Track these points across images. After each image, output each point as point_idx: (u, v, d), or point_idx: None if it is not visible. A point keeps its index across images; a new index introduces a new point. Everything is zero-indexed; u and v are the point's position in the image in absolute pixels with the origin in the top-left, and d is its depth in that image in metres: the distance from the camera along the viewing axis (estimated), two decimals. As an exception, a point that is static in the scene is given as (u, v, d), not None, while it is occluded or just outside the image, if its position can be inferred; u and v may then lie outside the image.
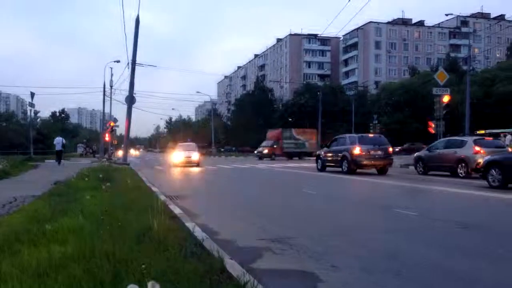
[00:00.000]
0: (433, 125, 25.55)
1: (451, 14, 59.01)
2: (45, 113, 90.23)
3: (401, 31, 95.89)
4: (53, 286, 3.31)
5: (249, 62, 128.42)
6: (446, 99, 24.50)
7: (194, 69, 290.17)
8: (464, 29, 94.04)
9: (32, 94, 36.18)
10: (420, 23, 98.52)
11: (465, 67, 49.98)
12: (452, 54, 79.63)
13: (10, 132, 58.87)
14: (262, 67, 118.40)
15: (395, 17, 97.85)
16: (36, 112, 39.42)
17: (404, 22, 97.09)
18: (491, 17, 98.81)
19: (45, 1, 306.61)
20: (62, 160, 27.96)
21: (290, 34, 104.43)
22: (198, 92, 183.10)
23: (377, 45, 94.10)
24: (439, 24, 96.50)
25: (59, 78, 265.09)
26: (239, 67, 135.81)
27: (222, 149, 76.57)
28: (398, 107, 63.89)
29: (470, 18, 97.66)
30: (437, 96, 24.84)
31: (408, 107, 62.67)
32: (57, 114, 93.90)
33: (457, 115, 39.29)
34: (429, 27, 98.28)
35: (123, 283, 3.21)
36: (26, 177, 17.64)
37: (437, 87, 24.92)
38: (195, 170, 25.20)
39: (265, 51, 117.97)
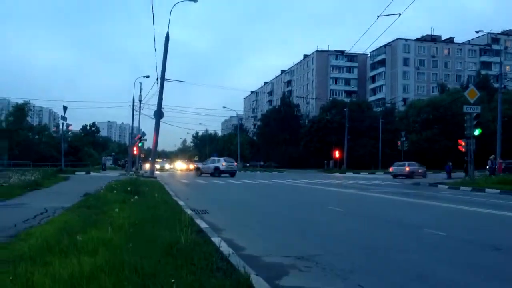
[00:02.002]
0: (463, 144, 25.02)
1: (482, 31, 58.30)
2: (76, 126, 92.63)
3: (430, 47, 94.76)
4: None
5: (276, 77, 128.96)
6: (477, 132, 23.92)
7: (221, 85, 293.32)
8: (495, 46, 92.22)
9: (65, 108, 37.24)
10: (450, 40, 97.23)
11: (496, 85, 48.92)
12: (483, 72, 78.20)
13: (42, 145, 60.45)
14: (288, 83, 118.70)
15: (424, 34, 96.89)
16: (68, 125, 40.47)
17: (433, 39, 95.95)
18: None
19: (85, 15, 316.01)
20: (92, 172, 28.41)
21: (317, 51, 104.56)
22: (224, 107, 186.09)
23: (405, 61, 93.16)
24: (469, 41, 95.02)
25: (92, 93, 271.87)
26: (265, 83, 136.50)
27: (248, 164, 76.68)
28: (427, 124, 62.88)
29: (501, 35, 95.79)
30: (467, 114, 24.36)
31: (437, 125, 61.62)
32: (88, 127, 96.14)
33: (488, 133, 38.39)
34: (459, 44, 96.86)
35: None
36: (57, 188, 18.06)
37: (468, 105, 24.45)
38: (221, 183, 25.33)
39: (291, 67, 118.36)
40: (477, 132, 23.93)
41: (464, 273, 5.28)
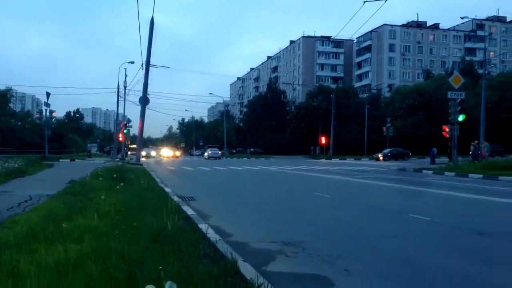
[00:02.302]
0: (447, 129, 25.30)
1: (467, 18, 58.52)
2: (60, 113, 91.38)
3: (416, 34, 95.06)
4: (71, 284, 3.35)
5: (262, 64, 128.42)
6: (461, 118, 24.16)
7: (208, 71, 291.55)
8: (479, 33, 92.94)
9: (48, 94, 36.69)
10: (435, 26, 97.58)
11: (480, 71, 49.32)
12: (468, 58, 78.82)
13: (25, 131, 59.51)
14: (275, 69, 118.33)
15: (410, 20, 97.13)
16: (51, 112, 39.90)
17: (418, 25, 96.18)
18: (507, 20, 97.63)
19: (69, 1, 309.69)
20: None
21: (303, 36, 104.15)
22: (211, 93, 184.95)
23: (391, 48, 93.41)
24: (454, 27, 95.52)
25: (76, 79, 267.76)
26: (252, 69, 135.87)
27: (234, 151, 76.63)
28: (412, 110, 63.39)
29: (486, 22, 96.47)
30: (451, 100, 24.58)
31: (422, 111, 62.16)
32: (72, 114, 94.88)
33: (472, 119, 38.89)
34: (444, 30, 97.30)
35: (138, 283, 3.25)
36: (41, 176, 17.88)
37: (452, 91, 24.66)
38: (207, 170, 25.32)
39: (278, 53, 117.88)
40: (461, 117, 24.20)
41: (450, 258, 5.37)
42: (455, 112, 24.12)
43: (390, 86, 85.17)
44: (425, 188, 15.05)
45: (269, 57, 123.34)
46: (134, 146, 52.23)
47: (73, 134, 74.10)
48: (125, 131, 42.40)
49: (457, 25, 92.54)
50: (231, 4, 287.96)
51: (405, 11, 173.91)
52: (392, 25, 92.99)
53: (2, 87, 61.58)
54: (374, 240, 6.35)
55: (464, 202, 11.38)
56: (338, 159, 49.31)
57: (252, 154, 66.26)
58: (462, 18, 66.44)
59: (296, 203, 11.09)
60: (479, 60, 63.01)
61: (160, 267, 3.20)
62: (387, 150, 48.28)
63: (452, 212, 9.57)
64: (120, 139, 42.68)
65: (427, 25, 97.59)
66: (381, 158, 45.98)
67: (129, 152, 48.44)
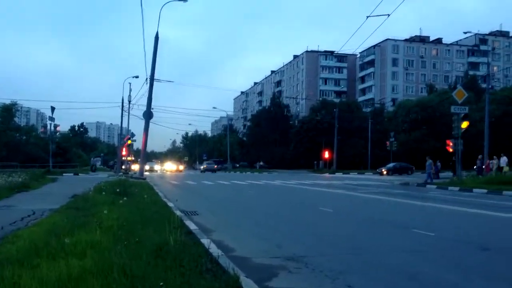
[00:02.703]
0: (451, 144, 25.24)
1: (470, 32, 58.97)
2: (65, 127, 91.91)
3: (419, 48, 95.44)
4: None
5: (266, 78, 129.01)
6: (464, 125, 24.07)
7: (211, 85, 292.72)
8: (482, 47, 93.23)
9: (53, 109, 36.94)
10: (438, 41, 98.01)
11: (484, 85, 49.46)
12: (471, 72, 78.87)
13: (30, 146, 59.76)
14: (278, 83, 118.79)
15: (413, 35, 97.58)
16: (55, 126, 40.11)
17: (421, 39, 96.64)
18: (510, 35, 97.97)
19: (74, 17, 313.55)
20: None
21: (307, 51, 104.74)
22: (214, 107, 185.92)
23: (394, 62, 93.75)
24: (457, 42, 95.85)
25: (84, 94, 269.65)
26: (255, 83, 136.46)
27: (238, 165, 76.59)
28: (415, 125, 63.33)
29: (489, 36, 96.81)
30: (455, 114, 24.57)
31: (426, 125, 62.09)
32: (76, 128, 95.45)
33: (475, 134, 38.77)
34: (447, 44, 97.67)
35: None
36: (45, 190, 17.91)
37: (455, 105, 24.66)
38: (210, 184, 25.30)
39: (281, 67, 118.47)
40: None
41: (454, 273, 5.33)
42: (459, 126, 24.08)
43: (393, 100, 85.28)
44: (429, 203, 14.97)
45: (272, 72, 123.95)
46: (133, 159, 52.39)
47: (77, 148, 74.47)
48: (128, 145, 42.53)
49: (460, 39, 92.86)
50: (235, 19, 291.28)
51: (408, 26, 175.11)
52: (395, 40, 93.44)
53: (7, 102, 62.04)
54: (377, 255, 6.31)
55: (468, 217, 11.31)
56: (341, 173, 49.19)
57: (261, 169, 66.27)
58: (465, 32, 67.05)
59: (299, 217, 11.05)
60: (482, 74, 62.98)
61: (161, 283, 3.20)
62: (390, 165, 48.13)
63: (456, 227, 9.50)
64: (124, 153, 42.78)
65: (430, 40, 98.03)
66: (384, 172, 45.83)
67: (134, 167, 48.50)
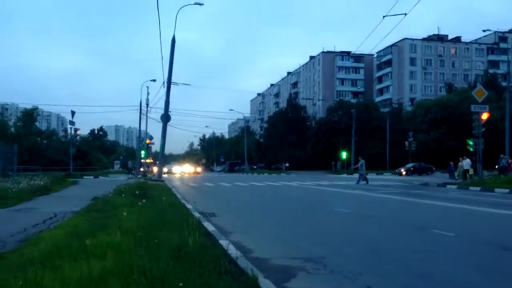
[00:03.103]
0: (471, 143, 24.85)
1: (489, 30, 57.79)
2: (84, 131, 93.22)
3: (437, 47, 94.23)
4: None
5: (282, 79, 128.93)
6: (485, 116, 23.79)
7: (228, 87, 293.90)
8: (502, 45, 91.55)
9: (73, 113, 37.55)
10: (457, 39, 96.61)
11: (504, 84, 48.54)
12: (491, 71, 77.56)
13: (51, 150, 60.78)
14: (295, 84, 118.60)
15: (431, 34, 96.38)
16: (76, 130, 40.74)
17: (440, 38, 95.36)
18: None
19: (92, 21, 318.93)
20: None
21: (323, 52, 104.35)
22: (231, 109, 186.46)
23: (412, 61, 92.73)
24: (476, 40, 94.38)
25: (103, 97, 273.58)
26: (272, 85, 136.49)
27: (255, 166, 76.63)
28: (434, 124, 62.53)
29: (509, 34, 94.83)
30: (475, 114, 24.18)
31: (445, 125, 61.26)
32: (96, 131, 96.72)
33: (496, 133, 38.09)
34: (466, 43, 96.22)
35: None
36: (66, 193, 18.20)
37: (475, 104, 24.28)
38: (228, 186, 25.36)
39: (298, 68, 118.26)
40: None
41: (474, 273, 5.25)
42: (479, 125, 23.71)
43: (411, 100, 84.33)
44: (449, 203, 14.75)
45: (289, 73, 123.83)
46: (151, 161, 52.91)
47: (97, 151, 75.43)
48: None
49: (479, 38, 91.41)
50: (251, 20, 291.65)
51: (426, 26, 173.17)
52: (412, 39, 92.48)
53: (28, 106, 63.29)
54: (396, 256, 6.25)
55: (489, 217, 11.12)
56: (360, 174, 48.74)
57: (279, 170, 66.16)
58: (484, 31, 65.84)
59: (317, 218, 11.01)
60: (502, 72, 61.87)
61: (181, 284, 3.23)
62: (409, 165, 47.61)
63: (476, 228, 9.36)
64: (142, 156, 43.21)
65: (449, 39, 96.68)
66: (403, 172, 45.35)
67: (153, 169, 48.89)
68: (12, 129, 59.24)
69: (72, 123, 38.88)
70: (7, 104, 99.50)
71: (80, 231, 6.65)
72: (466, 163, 28.08)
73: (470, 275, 5.17)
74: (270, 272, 4.93)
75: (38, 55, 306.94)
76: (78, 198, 14.48)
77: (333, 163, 62.77)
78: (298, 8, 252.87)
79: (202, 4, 27.60)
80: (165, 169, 45.97)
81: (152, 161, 53.04)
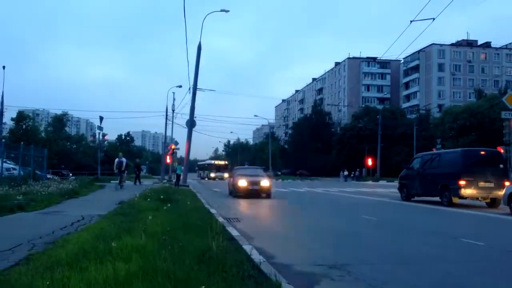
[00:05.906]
0: (502, 151, 24.19)
1: (520, 35, 56.38)
2: (112, 136, 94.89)
3: (466, 52, 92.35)
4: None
5: (307, 85, 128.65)
6: None
7: (253, 93, 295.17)
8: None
9: (101, 118, 38.25)
10: (487, 45, 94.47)
11: (536, 89, 47.23)
12: (522, 76, 75.60)
13: (80, 154, 62.18)
14: (320, 90, 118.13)
15: (459, 39, 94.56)
16: (104, 135, 41.49)
17: (469, 43, 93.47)
18: None
19: (122, 29, 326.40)
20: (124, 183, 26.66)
21: (349, 58, 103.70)
22: (255, 115, 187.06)
23: (440, 67, 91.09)
24: (506, 45, 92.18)
25: (130, 103, 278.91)
26: (297, 91, 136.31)
27: (279, 173, 76.49)
28: (463, 131, 61.17)
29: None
30: (506, 120, 23.56)
31: (474, 132, 59.86)
32: (123, 137, 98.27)
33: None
34: (496, 48, 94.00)
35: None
36: (93, 196, 18.51)
37: (506, 111, 23.66)
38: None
39: (323, 74, 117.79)
40: None
41: (505, 285, 5.09)
42: (510, 132, 23.09)
43: (440, 106, 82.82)
44: (478, 211, 14.38)
45: (314, 79, 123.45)
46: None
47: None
48: (172, 153, 43.32)
49: (510, 43, 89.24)
50: (276, 28, 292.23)
51: (454, 31, 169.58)
52: (441, 45, 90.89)
53: (58, 112, 64.97)
54: (423, 265, 6.11)
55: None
56: (385, 181, 48.12)
57: (302, 176, 65.98)
58: (515, 35, 64.03)
59: (342, 225, 10.88)
60: (534, 78, 60.22)
61: (203, 287, 3.23)
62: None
63: (507, 237, 9.09)
64: (168, 161, 43.64)
65: (478, 44, 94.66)
66: (431, 180, 44.42)
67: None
68: (43, 134, 60.90)
69: (100, 128, 39.63)
70: (38, 110, 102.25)
71: (106, 234, 6.74)
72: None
73: (501, 286, 5.02)
74: (293, 278, 4.88)
75: (74, 63, 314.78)
76: (105, 201, 14.71)
77: (358, 169, 61.92)
78: (330, 17, 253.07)
79: (228, 11, 27.83)
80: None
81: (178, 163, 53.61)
